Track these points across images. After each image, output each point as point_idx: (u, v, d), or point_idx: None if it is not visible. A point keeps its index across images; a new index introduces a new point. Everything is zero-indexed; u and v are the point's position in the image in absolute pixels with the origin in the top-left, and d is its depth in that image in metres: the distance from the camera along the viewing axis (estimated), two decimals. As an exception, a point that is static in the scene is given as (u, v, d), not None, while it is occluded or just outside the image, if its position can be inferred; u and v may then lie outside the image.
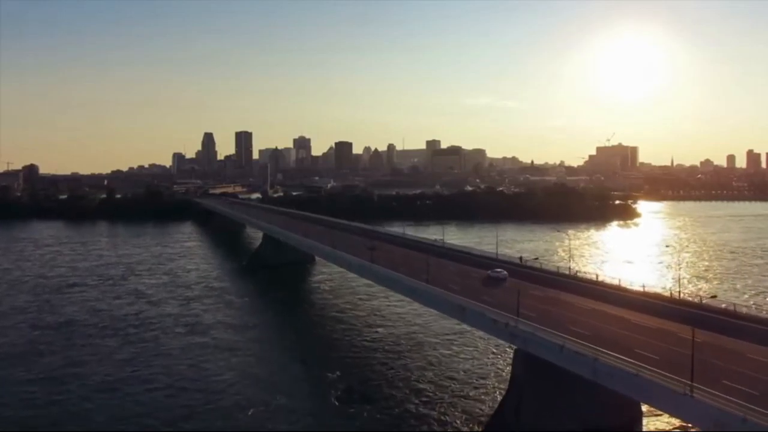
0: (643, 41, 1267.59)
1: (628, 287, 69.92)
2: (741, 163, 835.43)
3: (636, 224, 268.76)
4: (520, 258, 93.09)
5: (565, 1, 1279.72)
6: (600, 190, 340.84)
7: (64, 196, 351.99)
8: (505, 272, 79.54)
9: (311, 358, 78.97)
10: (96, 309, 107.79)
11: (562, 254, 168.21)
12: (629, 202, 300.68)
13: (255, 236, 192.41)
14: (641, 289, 68.20)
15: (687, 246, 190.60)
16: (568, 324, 54.54)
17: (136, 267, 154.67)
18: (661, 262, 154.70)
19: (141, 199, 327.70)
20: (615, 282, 72.03)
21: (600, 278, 75.98)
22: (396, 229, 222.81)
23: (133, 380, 70.88)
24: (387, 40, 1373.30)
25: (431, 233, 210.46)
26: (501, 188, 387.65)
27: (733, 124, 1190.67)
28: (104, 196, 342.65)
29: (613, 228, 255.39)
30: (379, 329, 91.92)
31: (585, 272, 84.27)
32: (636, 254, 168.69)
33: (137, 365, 76.30)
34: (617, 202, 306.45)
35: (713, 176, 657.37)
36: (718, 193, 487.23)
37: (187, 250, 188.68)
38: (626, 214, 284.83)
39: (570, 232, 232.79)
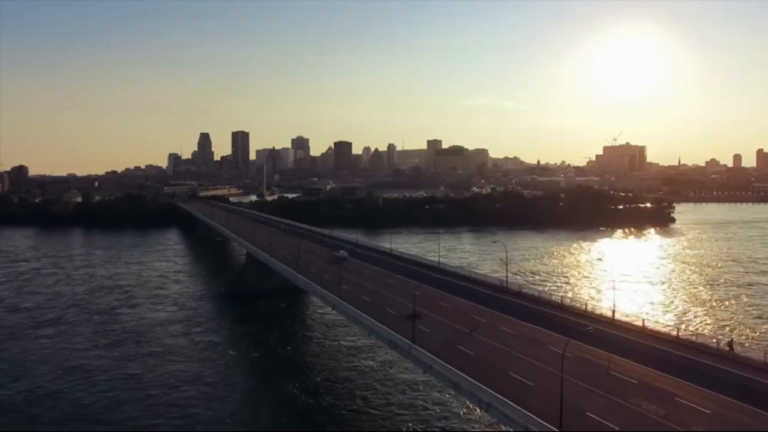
0: (643, 41, 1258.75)
1: None
2: (747, 162, 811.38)
3: (680, 232, 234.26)
4: None
5: (565, 1, 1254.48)
6: (630, 193, 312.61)
7: (38, 200, 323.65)
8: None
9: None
10: (80, 368, 77.97)
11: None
12: (664, 205, 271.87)
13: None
14: None
15: None
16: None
17: (122, 293, 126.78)
18: None
19: (121, 204, 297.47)
20: None
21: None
22: (403, 239, 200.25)
23: None
24: (386, 40, 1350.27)
25: (454, 245, 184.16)
26: (522, 191, 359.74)
27: (733, 124, 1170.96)
28: (79, 200, 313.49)
29: (660, 237, 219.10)
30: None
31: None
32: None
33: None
34: (648, 205, 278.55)
35: (728, 176, 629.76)
36: (741, 194, 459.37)
37: (168, 267, 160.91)
38: (659, 219, 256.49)
39: (616, 242, 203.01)
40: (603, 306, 65.94)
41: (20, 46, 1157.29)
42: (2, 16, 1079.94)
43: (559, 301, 66.03)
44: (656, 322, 63.17)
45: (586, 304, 62.74)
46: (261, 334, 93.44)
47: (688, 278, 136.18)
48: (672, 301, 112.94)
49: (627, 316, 59.41)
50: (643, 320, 57.52)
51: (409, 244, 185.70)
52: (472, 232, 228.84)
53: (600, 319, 59.05)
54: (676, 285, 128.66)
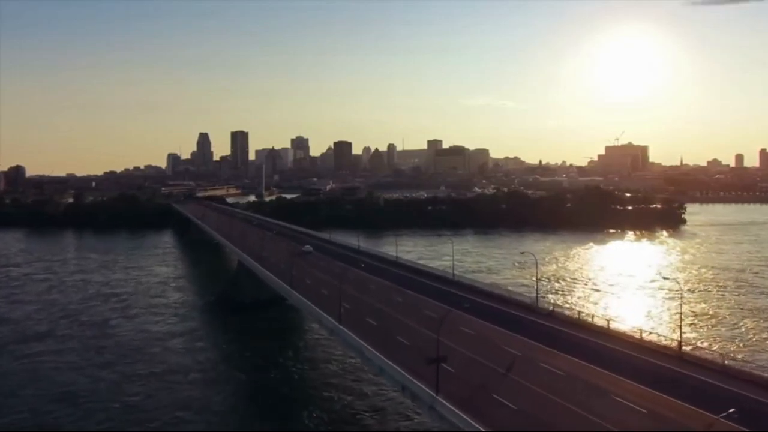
0: (643, 41, 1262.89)
1: None
2: (748, 162, 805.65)
3: (695, 234, 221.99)
4: None
5: (565, 1, 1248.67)
6: (639, 193, 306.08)
7: (30, 200, 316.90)
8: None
9: None
10: (70, 393, 69.94)
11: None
12: (675, 206, 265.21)
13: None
14: None
15: None
16: None
17: (118, 301, 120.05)
18: None
19: (116, 205, 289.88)
20: None
21: None
22: (409, 241, 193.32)
23: None
24: (386, 40, 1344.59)
25: (467, 249, 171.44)
26: (525, 191, 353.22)
27: (734, 124, 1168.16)
28: (71, 200, 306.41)
29: (676, 240, 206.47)
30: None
31: None
32: None
33: None
34: (658, 206, 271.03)
35: (732, 176, 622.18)
36: (745, 195, 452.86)
37: (167, 272, 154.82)
38: (670, 220, 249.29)
39: (631, 245, 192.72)
40: (657, 329, 56.73)
41: (20, 46, 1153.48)
42: (2, 16, 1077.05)
43: (605, 325, 54.99)
44: (735, 356, 53.73)
45: (640, 331, 51.73)
46: (268, 350, 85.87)
47: (728, 285, 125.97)
48: (721, 313, 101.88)
49: (698, 349, 49.68)
50: (723, 356, 46.62)
51: (420, 247, 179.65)
52: (479, 233, 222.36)
53: (662, 352, 48.19)
54: (717, 293, 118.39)
